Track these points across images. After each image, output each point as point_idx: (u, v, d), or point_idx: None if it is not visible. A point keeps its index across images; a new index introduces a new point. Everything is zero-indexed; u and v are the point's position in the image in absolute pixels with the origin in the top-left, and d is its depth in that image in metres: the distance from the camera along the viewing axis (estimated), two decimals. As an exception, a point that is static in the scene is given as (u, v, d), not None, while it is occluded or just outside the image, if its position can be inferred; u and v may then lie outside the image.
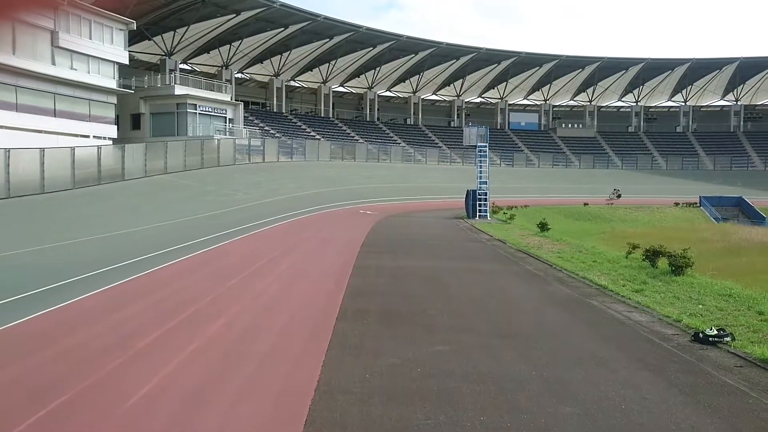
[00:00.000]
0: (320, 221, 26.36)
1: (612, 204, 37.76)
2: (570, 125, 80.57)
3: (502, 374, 6.10)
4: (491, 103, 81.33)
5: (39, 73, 32.25)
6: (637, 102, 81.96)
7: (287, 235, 20.98)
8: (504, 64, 72.42)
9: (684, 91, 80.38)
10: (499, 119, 79.20)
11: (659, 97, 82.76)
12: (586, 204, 45.63)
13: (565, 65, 73.93)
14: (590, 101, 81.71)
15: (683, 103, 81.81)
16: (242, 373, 6.16)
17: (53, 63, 33.51)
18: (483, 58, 70.11)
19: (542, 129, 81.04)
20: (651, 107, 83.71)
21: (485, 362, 6.51)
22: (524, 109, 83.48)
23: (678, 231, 31.03)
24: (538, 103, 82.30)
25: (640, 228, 36.52)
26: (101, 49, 36.45)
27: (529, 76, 76.23)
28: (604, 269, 13.32)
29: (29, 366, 6.31)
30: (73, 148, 28.26)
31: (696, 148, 76.89)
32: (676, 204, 47.94)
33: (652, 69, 75.63)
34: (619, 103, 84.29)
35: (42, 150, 25.93)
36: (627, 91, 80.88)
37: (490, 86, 77.96)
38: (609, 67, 75.09)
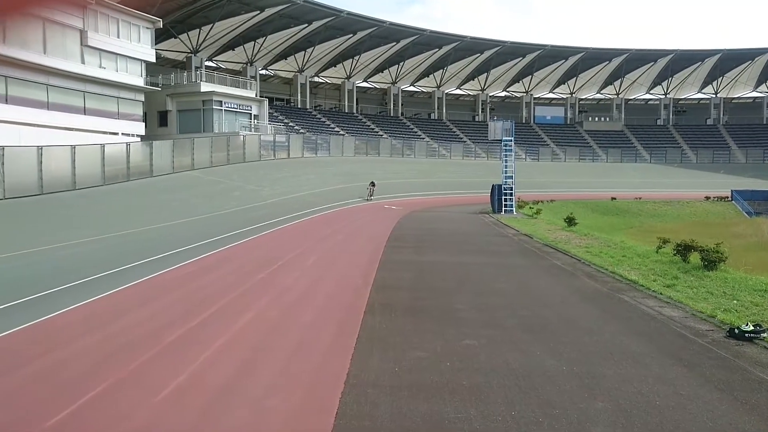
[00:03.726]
0: (345, 216, 26.42)
1: (371, 200, 34.79)
2: (597, 119, 79.42)
3: (532, 369, 6.04)
4: (516, 97, 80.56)
5: (69, 71, 32.86)
6: (665, 94, 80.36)
7: (313, 230, 21.07)
8: (529, 58, 71.63)
9: (715, 83, 78.56)
10: (524, 113, 78.41)
11: (689, 89, 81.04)
12: (613, 198, 44.99)
13: (591, 58, 72.83)
14: (617, 94, 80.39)
15: (714, 95, 79.95)
16: (272, 366, 6.21)
17: (83, 62, 34.08)
18: (507, 51, 69.41)
19: (568, 123, 79.99)
20: (680, 99, 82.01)
21: (514, 357, 6.46)
22: (550, 102, 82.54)
23: (709, 226, 30.41)
24: (564, 96, 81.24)
25: (669, 223, 35.91)
26: (129, 48, 36.98)
27: (554, 70, 75.30)
28: (633, 264, 13.12)
29: (62, 358, 6.44)
30: (102, 145, 28.75)
31: (727, 140, 75.14)
32: (707, 198, 46.96)
33: (681, 60, 74.08)
34: (648, 96, 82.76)
35: (73, 147, 26.42)
36: (655, 83, 79.36)
37: (515, 80, 77.19)
38: (637, 59, 73.75)
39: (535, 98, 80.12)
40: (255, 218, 22.00)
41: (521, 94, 79.62)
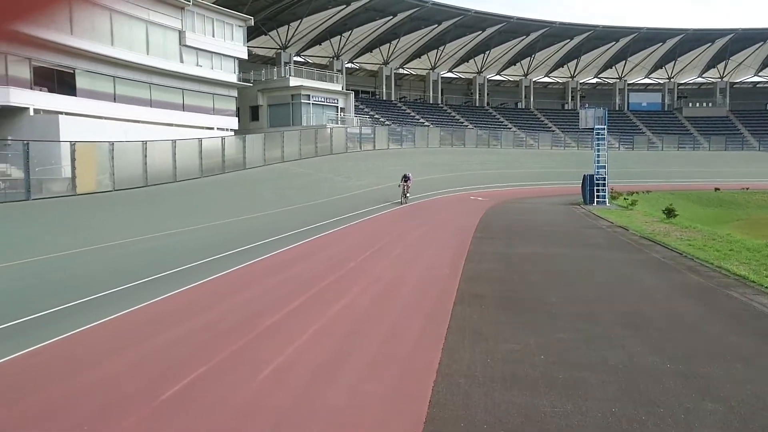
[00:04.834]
0: (431, 207, 26.37)
1: (406, 201, 25.38)
2: (698, 104, 74.59)
3: (633, 366, 5.78)
4: (608, 83, 77.12)
5: (169, 70, 34.81)
6: (777, 76, 74.30)
7: (400, 220, 21.19)
8: (623, 42, 68.34)
9: (835, 62, 71.76)
10: (617, 100, 74.97)
11: (805, 70, 74.50)
12: (717, 189, 42.18)
13: (691, 40, 68.42)
14: (721, 77, 75.11)
15: (834, 76, 73.10)
16: (365, 352, 6.30)
17: (181, 61, 36.00)
18: (599, 36, 66.55)
19: (666, 109, 75.69)
20: (794, 81, 75.58)
21: (613, 352, 6.20)
22: (645, 88, 78.38)
23: (828, 218, 27.88)
24: (661, 81, 76.91)
25: (781, 215, 33.27)
26: (223, 46, 38.68)
27: (650, 53, 71.41)
28: (742, 258, 12.23)
29: (169, 340, 6.84)
30: (200, 140, 30.23)
31: None
32: (826, 188, 43.08)
33: (796, 38, 68.15)
34: (756, 79, 76.76)
35: (174, 142, 27.94)
36: (765, 64, 73.41)
37: (608, 66, 73.92)
38: (743, 39, 68.49)
39: (629, 84, 76.41)
40: (343, 208, 22.40)
41: (614, 81, 76.16)
